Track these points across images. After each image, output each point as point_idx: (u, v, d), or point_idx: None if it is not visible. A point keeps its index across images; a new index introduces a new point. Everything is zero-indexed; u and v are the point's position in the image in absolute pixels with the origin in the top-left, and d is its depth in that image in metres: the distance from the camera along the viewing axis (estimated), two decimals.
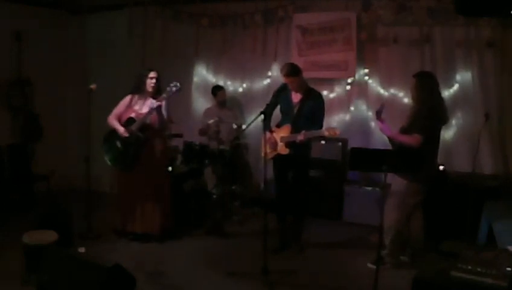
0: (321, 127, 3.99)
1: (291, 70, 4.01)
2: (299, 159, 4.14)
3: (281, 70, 4.09)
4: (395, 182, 3.72)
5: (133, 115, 4.24)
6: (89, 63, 6.28)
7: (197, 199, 5.04)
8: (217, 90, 5.52)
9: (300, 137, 3.89)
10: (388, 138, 3.76)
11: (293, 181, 4.24)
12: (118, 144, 4.26)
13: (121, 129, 4.21)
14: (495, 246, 3.01)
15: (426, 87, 3.62)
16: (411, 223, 3.84)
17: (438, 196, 4.23)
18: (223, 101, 5.53)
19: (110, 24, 6.08)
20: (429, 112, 3.55)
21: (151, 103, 4.17)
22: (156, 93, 4.26)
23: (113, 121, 4.28)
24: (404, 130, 3.66)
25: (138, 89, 4.30)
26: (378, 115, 3.74)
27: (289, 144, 4.04)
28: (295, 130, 4.00)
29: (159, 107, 4.11)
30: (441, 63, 4.76)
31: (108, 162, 4.34)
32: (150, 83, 4.25)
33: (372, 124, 5.17)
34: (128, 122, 4.24)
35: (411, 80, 3.73)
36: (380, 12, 4.92)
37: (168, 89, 4.11)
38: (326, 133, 3.82)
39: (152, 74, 4.28)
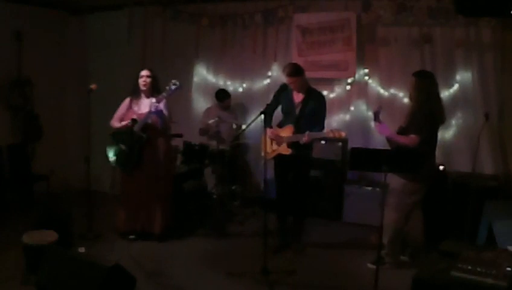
0: (323, 127, 3.99)
1: (294, 71, 4.01)
2: (301, 160, 4.13)
3: (284, 70, 4.09)
4: (394, 181, 3.72)
5: (134, 116, 4.25)
6: (89, 63, 6.28)
7: (197, 199, 5.04)
8: (224, 97, 5.48)
9: (304, 138, 3.88)
10: (386, 138, 3.75)
11: (294, 181, 4.24)
12: (122, 146, 4.26)
13: (125, 123, 4.22)
14: (495, 246, 3.00)
15: (424, 86, 3.61)
16: (411, 222, 3.84)
17: (438, 196, 4.23)
18: (228, 107, 5.52)
19: (110, 24, 6.08)
20: (427, 112, 3.55)
21: (150, 102, 4.17)
22: (154, 92, 4.27)
23: (116, 124, 4.30)
24: (403, 130, 3.66)
25: (134, 90, 4.34)
26: (376, 117, 3.74)
27: (291, 144, 4.04)
28: (298, 130, 4.00)
29: (159, 112, 4.12)
30: (441, 63, 4.76)
31: (113, 164, 4.34)
32: (141, 82, 4.27)
33: (372, 124, 5.15)
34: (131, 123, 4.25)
35: (410, 78, 3.74)
36: (380, 13, 4.92)
37: (167, 87, 4.11)
38: (331, 135, 3.82)
39: (142, 73, 4.29)
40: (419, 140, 3.49)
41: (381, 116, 3.74)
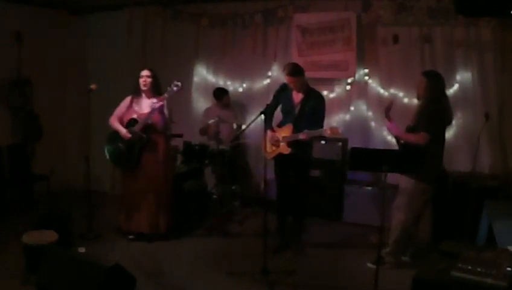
0: (322, 127, 4.00)
1: (294, 70, 4.01)
2: (301, 159, 4.13)
3: (284, 69, 4.09)
4: (402, 181, 3.72)
5: (134, 115, 4.26)
6: (89, 63, 6.28)
7: (197, 199, 5.04)
8: (222, 94, 5.49)
9: (302, 136, 3.89)
10: (395, 137, 3.75)
11: (294, 181, 4.24)
12: (121, 145, 4.26)
13: (122, 131, 4.22)
14: (495, 246, 3.00)
15: (435, 87, 3.61)
16: (420, 222, 3.83)
17: (438, 196, 4.22)
18: (227, 104, 5.52)
19: (110, 24, 6.07)
20: (435, 112, 3.55)
21: (151, 102, 4.18)
22: (154, 92, 4.26)
23: (115, 123, 4.30)
24: (411, 129, 3.66)
25: (136, 90, 4.33)
26: (387, 113, 3.73)
27: (291, 144, 4.04)
28: (297, 129, 4.00)
29: (160, 107, 4.12)
30: (441, 63, 4.76)
31: (111, 163, 4.34)
32: (141, 81, 4.27)
33: (372, 124, 5.18)
34: (130, 123, 4.25)
35: (419, 77, 3.73)
36: (380, 13, 4.92)
37: (168, 88, 4.12)
38: (328, 132, 3.83)
39: (143, 73, 4.29)
40: (428, 138, 3.48)
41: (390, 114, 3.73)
